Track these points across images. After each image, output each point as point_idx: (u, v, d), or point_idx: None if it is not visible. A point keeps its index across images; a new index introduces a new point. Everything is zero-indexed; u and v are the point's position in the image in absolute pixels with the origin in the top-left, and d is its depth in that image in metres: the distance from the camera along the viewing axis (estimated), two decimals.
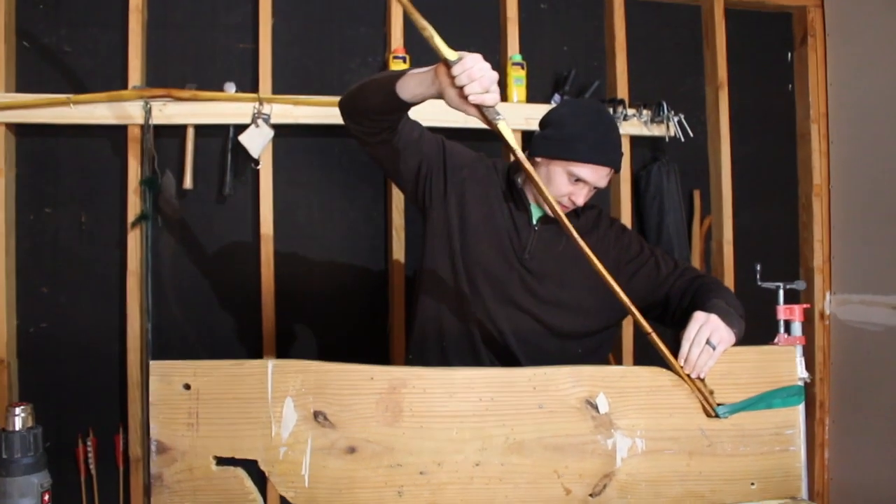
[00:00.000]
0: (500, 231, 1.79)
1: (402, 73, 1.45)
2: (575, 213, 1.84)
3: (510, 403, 1.36)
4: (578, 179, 1.72)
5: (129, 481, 2.42)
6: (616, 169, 1.77)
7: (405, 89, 1.44)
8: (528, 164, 1.36)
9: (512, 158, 1.65)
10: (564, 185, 1.73)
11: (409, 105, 1.49)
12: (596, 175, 1.72)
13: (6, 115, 2.35)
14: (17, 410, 1.15)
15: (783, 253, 3.09)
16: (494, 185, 1.83)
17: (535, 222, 1.81)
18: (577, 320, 1.81)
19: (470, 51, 2.60)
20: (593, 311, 1.82)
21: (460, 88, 1.29)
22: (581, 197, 1.75)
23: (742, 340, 1.53)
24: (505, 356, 1.76)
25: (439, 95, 1.38)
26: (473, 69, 1.28)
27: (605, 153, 1.72)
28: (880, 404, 2.74)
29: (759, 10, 3.07)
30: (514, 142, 1.34)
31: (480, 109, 1.31)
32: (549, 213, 1.77)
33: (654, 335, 1.41)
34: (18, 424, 1.14)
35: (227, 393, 1.29)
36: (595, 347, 1.86)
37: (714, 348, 1.43)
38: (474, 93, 1.28)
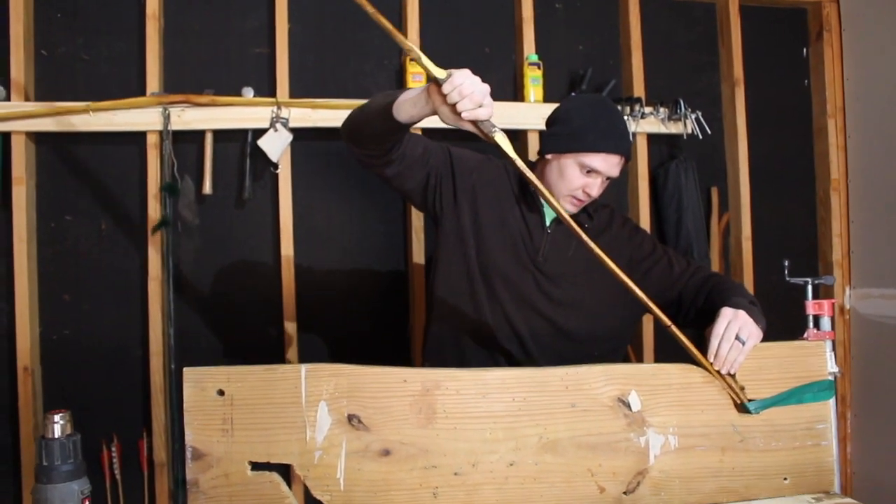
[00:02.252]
0: (513, 234, 1.80)
1: (396, 96, 1.46)
2: (587, 214, 1.85)
3: (543, 403, 1.36)
4: (591, 171, 1.74)
5: (154, 486, 2.43)
6: (627, 157, 1.79)
7: (401, 112, 1.45)
8: (529, 174, 1.36)
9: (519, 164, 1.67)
10: (578, 177, 1.75)
11: (407, 126, 1.50)
12: (607, 164, 1.74)
13: (26, 124, 2.36)
14: (56, 418, 1.15)
15: (802, 248, 3.09)
16: (505, 187, 1.84)
17: (548, 224, 1.82)
18: (593, 322, 1.82)
19: (485, 52, 2.61)
20: (608, 313, 1.83)
21: (453, 106, 1.30)
22: (595, 188, 1.76)
23: (771, 335, 1.53)
24: (522, 360, 1.77)
25: (434, 114, 1.39)
26: (464, 85, 1.28)
27: (614, 141, 1.74)
28: None
29: (774, 6, 3.06)
30: (513, 152, 1.35)
31: (476, 124, 1.32)
32: (565, 208, 1.78)
33: (673, 328, 1.41)
34: (58, 432, 1.14)
35: (260, 398, 1.29)
36: (612, 349, 1.87)
37: (743, 343, 1.43)
38: (467, 109, 1.29)
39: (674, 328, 1.41)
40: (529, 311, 1.79)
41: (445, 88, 1.29)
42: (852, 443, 3.01)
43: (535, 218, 1.82)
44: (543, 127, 2.62)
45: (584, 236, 1.37)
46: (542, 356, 1.76)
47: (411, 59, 1.28)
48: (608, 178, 1.78)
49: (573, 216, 1.81)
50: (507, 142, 1.34)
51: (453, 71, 1.29)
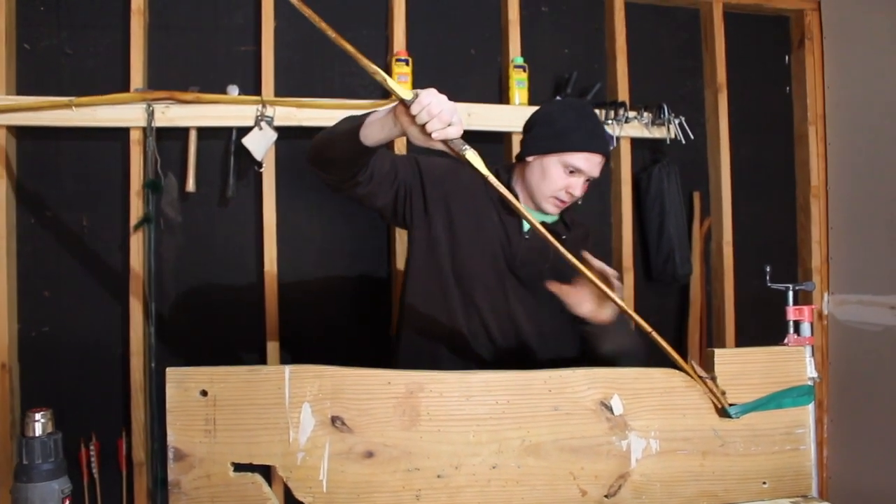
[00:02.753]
0: (491, 240, 1.81)
1: (360, 121, 1.46)
2: (565, 224, 1.88)
3: (526, 406, 1.36)
4: (574, 171, 1.76)
5: (133, 485, 2.42)
6: (607, 157, 1.83)
7: (368, 136, 1.45)
8: (503, 189, 1.36)
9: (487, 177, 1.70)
10: (561, 177, 1.77)
11: (375, 150, 1.51)
12: (590, 164, 1.77)
13: (7, 118, 2.34)
14: (37, 416, 1.14)
15: (783, 254, 3.12)
16: (482, 191, 1.83)
17: (526, 230, 1.83)
18: (568, 330, 1.85)
19: (471, 54, 2.61)
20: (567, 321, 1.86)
21: (422, 126, 1.30)
22: (578, 188, 1.79)
23: (750, 340, 1.55)
24: (496, 366, 1.77)
25: (402, 135, 1.40)
26: (432, 105, 1.29)
27: (596, 141, 1.78)
28: (878, 403, 2.77)
29: (757, 13, 3.10)
30: (485, 169, 1.35)
31: (446, 143, 1.32)
32: (547, 211, 1.81)
33: (654, 334, 1.42)
34: (38, 430, 1.14)
35: (243, 399, 1.28)
36: (561, 352, 1.89)
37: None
38: (436, 129, 1.30)
39: (654, 334, 1.42)
40: (506, 317, 1.80)
41: (414, 109, 1.29)
42: (829, 447, 3.04)
43: (513, 222, 1.83)
44: None
45: (556, 244, 1.38)
46: (519, 364, 1.76)
47: (379, 80, 1.26)
48: (589, 179, 1.81)
49: (552, 225, 1.84)
50: (479, 159, 1.34)
51: (420, 91, 1.30)
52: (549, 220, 1.87)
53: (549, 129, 1.79)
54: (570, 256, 1.39)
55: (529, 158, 1.82)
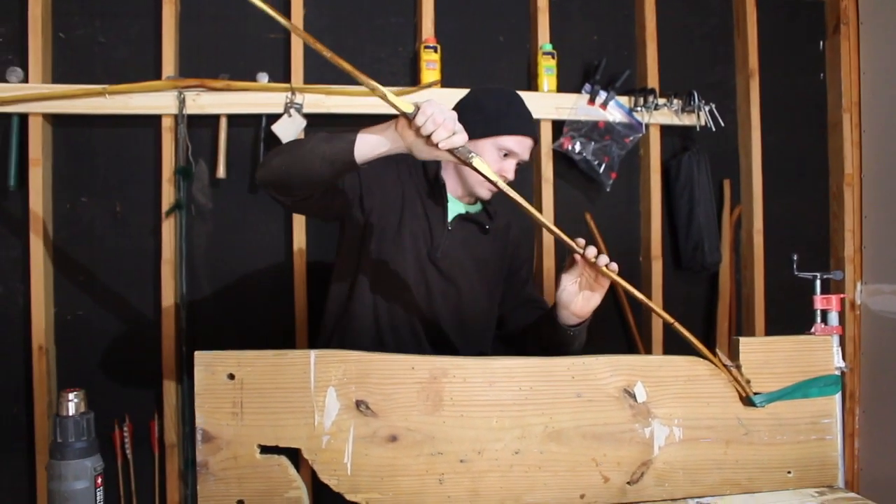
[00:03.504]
0: (414, 233, 1.80)
1: (350, 139, 1.43)
2: (488, 214, 1.90)
3: (549, 392, 1.37)
4: (507, 154, 1.79)
5: (165, 466, 2.47)
6: (536, 140, 1.86)
7: (362, 153, 1.43)
8: (511, 192, 1.38)
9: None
10: (495, 161, 1.78)
11: (360, 166, 1.48)
12: (522, 146, 1.80)
13: (43, 106, 2.38)
14: (71, 396, 1.17)
15: (814, 243, 3.08)
16: (410, 185, 1.83)
17: (450, 220, 1.83)
18: (488, 322, 1.91)
19: (500, 41, 2.61)
20: (482, 308, 1.90)
21: (427, 137, 1.31)
22: (511, 171, 1.81)
23: (781, 329, 1.53)
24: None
25: (404, 150, 1.40)
26: (435, 115, 1.29)
27: (527, 125, 1.82)
28: None
29: None
30: (493, 174, 1.37)
31: (452, 152, 1.33)
32: (480, 196, 1.83)
33: (676, 324, 1.43)
34: (72, 410, 1.17)
35: (270, 383, 1.31)
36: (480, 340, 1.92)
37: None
38: (442, 138, 1.30)
39: (677, 325, 1.42)
40: (427, 309, 1.81)
41: (418, 120, 1.30)
42: (860, 439, 3.01)
43: (438, 213, 1.83)
44: (556, 116, 2.66)
45: (520, 199, 1.40)
46: (435, 349, 1.79)
47: (379, 95, 1.27)
48: (520, 163, 1.83)
49: (475, 214, 1.88)
50: (485, 165, 1.36)
51: (420, 103, 1.30)
52: (472, 209, 1.88)
53: (480, 114, 1.79)
54: (558, 232, 1.41)
55: None
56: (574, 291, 1.58)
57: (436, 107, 1.30)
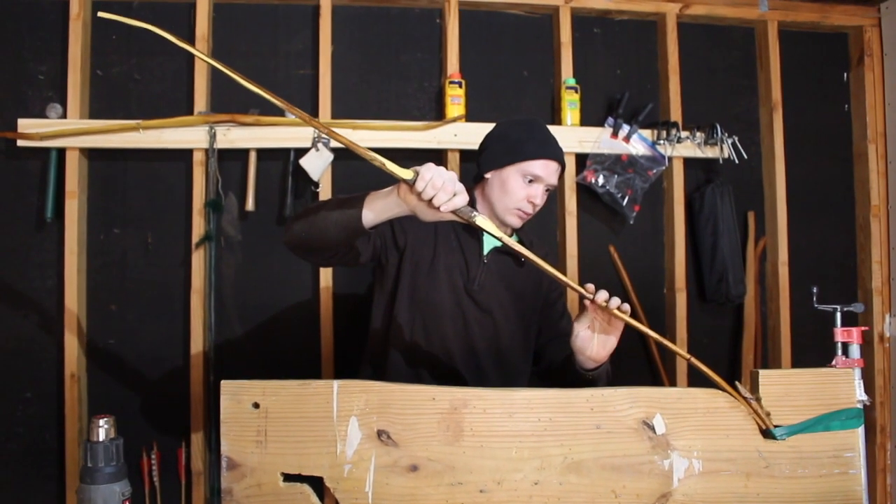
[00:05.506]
0: (449, 266, 1.83)
1: (358, 204, 1.48)
2: (525, 246, 1.89)
3: (568, 423, 1.38)
4: (532, 179, 1.81)
5: (192, 494, 2.50)
6: (562, 164, 1.87)
7: (369, 219, 1.48)
8: (518, 247, 1.41)
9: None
10: (521, 188, 1.81)
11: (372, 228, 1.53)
12: (547, 170, 1.82)
13: (80, 141, 2.47)
14: (101, 422, 1.21)
15: (840, 274, 3.05)
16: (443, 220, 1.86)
17: (485, 253, 1.85)
18: (523, 352, 1.91)
19: (524, 75, 2.65)
20: (527, 344, 1.92)
21: (429, 201, 1.34)
22: (539, 196, 1.83)
23: (808, 362, 1.53)
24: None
25: (408, 213, 1.43)
26: (434, 179, 1.32)
27: (551, 149, 1.84)
28: None
29: (813, 30, 3.05)
30: (497, 231, 1.39)
31: (455, 213, 1.36)
32: (510, 224, 1.85)
33: (693, 359, 1.43)
34: (102, 435, 1.21)
35: (293, 412, 1.33)
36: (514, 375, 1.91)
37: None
38: (443, 201, 1.33)
39: (693, 359, 1.43)
40: (464, 340, 1.83)
41: (419, 186, 1.33)
42: (892, 475, 2.95)
43: (473, 246, 1.86)
44: (580, 150, 2.69)
45: (558, 275, 1.42)
46: (472, 383, 1.79)
47: (377, 164, 1.31)
48: (548, 188, 1.85)
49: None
50: (488, 222, 1.39)
51: (418, 168, 1.33)
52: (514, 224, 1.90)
53: (503, 143, 1.84)
54: (563, 278, 1.43)
55: (487, 175, 1.87)
56: (588, 337, 1.60)
57: (434, 171, 1.33)
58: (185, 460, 2.50)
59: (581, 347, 1.61)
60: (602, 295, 1.49)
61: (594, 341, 1.60)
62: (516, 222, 1.85)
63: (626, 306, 1.50)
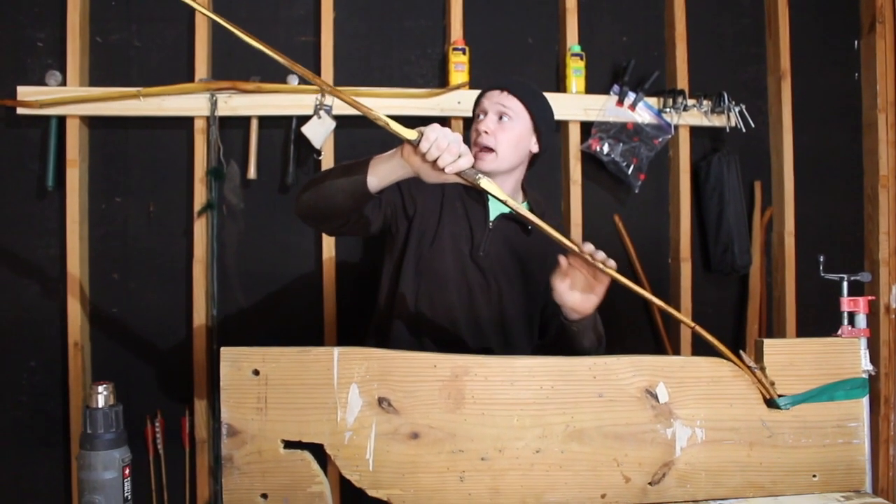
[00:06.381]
0: (454, 235, 1.81)
1: (363, 169, 1.46)
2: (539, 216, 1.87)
3: (570, 392, 1.37)
4: (479, 115, 1.82)
5: (195, 461, 2.51)
6: (505, 88, 1.81)
7: (374, 181, 1.47)
8: (522, 210, 1.38)
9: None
10: (474, 129, 1.82)
11: (379, 193, 1.52)
12: (490, 100, 1.81)
13: (80, 108, 2.44)
14: (100, 388, 1.20)
15: (847, 245, 3.03)
16: (450, 187, 1.83)
17: (492, 219, 1.83)
18: (527, 319, 1.88)
19: (528, 43, 2.62)
20: (533, 312, 1.89)
21: (433, 162, 1.32)
22: (485, 123, 1.79)
23: (812, 332, 1.52)
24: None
25: (412, 175, 1.42)
26: (439, 140, 1.31)
27: (494, 82, 1.84)
28: None
29: None
30: (502, 194, 1.37)
31: (460, 175, 1.34)
32: (478, 166, 1.76)
33: (698, 328, 1.42)
34: (101, 402, 1.20)
35: (294, 379, 1.33)
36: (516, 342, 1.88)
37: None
38: (448, 163, 1.31)
39: (698, 327, 1.42)
40: (468, 307, 1.81)
41: (423, 147, 1.31)
42: (895, 445, 2.95)
43: (479, 212, 1.84)
44: (585, 118, 2.66)
45: (558, 235, 1.40)
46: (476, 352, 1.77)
47: (381, 124, 1.28)
48: (502, 114, 1.80)
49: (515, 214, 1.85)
50: (493, 185, 1.37)
51: (423, 129, 1.32)
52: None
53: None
54: (566, 240, 1.41)
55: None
56: (564, 290, 1.53)
57: (439, 131, 1.31)
58: (188, 428, 2.50)
59: (561, 300, 1.55)
60: (589, 246, 1.43)
61: (575, 294, 1.53)
62: (481, 164, 1.77)
63: (612, 262, 1.44)
